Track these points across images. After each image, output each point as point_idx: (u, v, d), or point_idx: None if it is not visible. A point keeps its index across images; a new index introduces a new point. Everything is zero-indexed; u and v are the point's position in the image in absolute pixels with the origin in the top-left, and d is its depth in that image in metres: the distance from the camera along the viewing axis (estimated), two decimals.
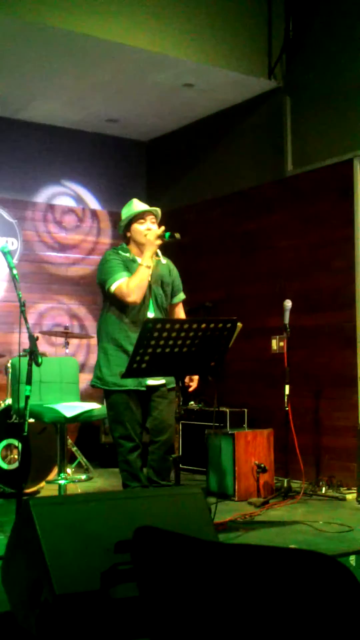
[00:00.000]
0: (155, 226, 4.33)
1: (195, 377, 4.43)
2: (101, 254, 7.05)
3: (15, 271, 4.12)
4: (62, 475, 4.82)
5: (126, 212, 4.41)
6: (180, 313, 4.58)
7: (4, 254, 4.20)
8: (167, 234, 4.22)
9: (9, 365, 5.75)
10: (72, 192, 7.29)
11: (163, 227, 4.27)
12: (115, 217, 7.30)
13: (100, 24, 5.38)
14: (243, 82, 6.22)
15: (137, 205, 4.40)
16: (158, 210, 4.42)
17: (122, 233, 4.44)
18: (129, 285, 4.18)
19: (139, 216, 4.34)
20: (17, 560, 2.63)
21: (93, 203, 7.39)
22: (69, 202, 7.28)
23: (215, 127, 6.99)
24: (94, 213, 7.39)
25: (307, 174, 6.06)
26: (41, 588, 2.42)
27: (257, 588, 1.19)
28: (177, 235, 4.22)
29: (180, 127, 7.30)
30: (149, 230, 4.28)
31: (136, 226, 4.33)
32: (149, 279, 4.26)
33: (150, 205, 4.48)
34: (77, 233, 7.30)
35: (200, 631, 1.26)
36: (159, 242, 4.24)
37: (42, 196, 7.13)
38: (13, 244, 6.88)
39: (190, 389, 4.47)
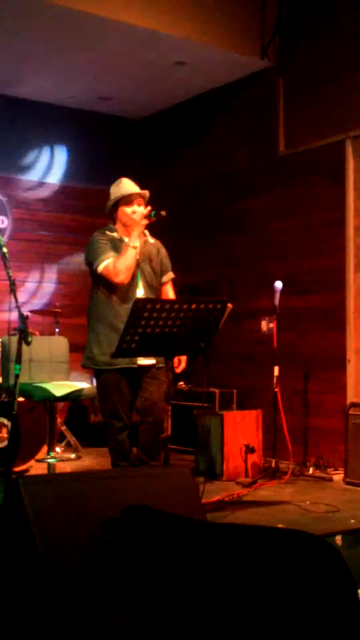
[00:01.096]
0: (141, 208, 4.32)
1: (183, 358, 4.43)
2: (91, 232, 7.02)
3: (5, 249, 4.09)
4: (51, 454, 4.83)
5: (114, 192, 4.39)
6: (169, 292, 4.58)
7: None
8: (153, 213, 4.24)
9: None
10: (63, 169, 7.24)
11: (149, 207, 4.27)
12: (106, 196, 7.25)
13: (94, 1, 5.32)
14: (235, 61, 6.17)
15: (125, 186, 4.39)
16: (146, 192, 4.41)
17: (109, 213, 4.43)
18: (116, 265, 4.19)
19: (127, 198, 4.33)
20: (6, 538, 2.64)
21: (84, 181, 7.34)
22: (60, 180, 7.22)
23: (208, 106, 6.94)
24: (85, 191, 7.34)
25: (299, 155, 6.04)
26: (30, 565, 2.43)
27: (245, 567, 1.20)
28: (163, 213, 4.23)
29: (172, 106, 7.25)
30: (134, 213, 4.28)
31: (123, 208, 4.34)
32: (137, 258, 4.26)
33: (141, 185, 4.46)
34: (68, 211, 7.26)
35: (186, 610, 1.27)
36: (145, 222, 4.25)
37: (33, 174, 7.07)
38: (3, 222, 6.84)
39: (178, 370, 4.48)
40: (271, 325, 5.62)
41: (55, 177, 7.19)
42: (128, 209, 4.32)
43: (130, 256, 4.21)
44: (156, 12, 5.60)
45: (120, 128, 7.58)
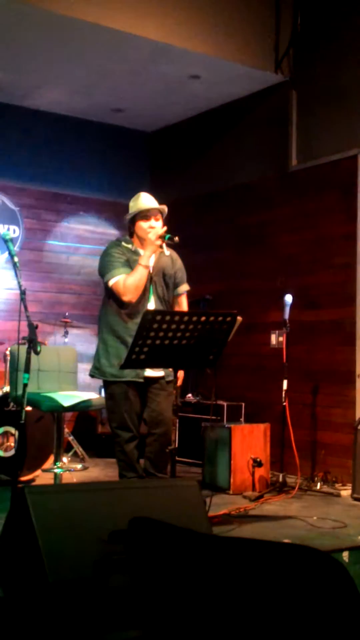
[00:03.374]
0: (159, 223, 4.34)
1: (181, 374, 4.39)
2: (103, 243, 7.05)
3: (16, 259, 4.10)
4: (58, 464, 4.82)
5: (132, 206, 4.42)
6: (183, 304, 4.57)
7: (5, 241, 4.19)
8: (168, 236, 4.24)
9: (7, 352, 5.75)
10: (75, 181, 7.27)
11: (165, 228, 4.28)
12: (117, 207, 7.28)
13: (109, 13, 5.36)
14: (250, 75, 6.19)
15: (143, 200, 4.40)
16: (164, 208, 4.41)
17: (127, 225, 4.44)
18: (126, 283, 4.21)
19: (144, 213, 4.34)
20: (12, 547, 2.64)
21: (96, 192, 7.37)
22: (72, 191, 7.25)
23: (220, 119, 6.96)
24: (96, 202, 7.37)
25: (311, 169, 6.04)
26: (35, 575, 2.42)
27: (250, 582, 1.19)
28: (176, 239, 4.24)
29: (185, 119, 7.28)
30: (152, 228, 4.29)
31: (140, 223, 4.34)
32: (148, 277, 4.26)
33: (154, 197, 4.48)
34: (79, 222, 7.29)
35: (192, 623, 1.26)
36: (159, 242, 4.26)
37: (45, 184, 7.11)
38: (15, 231, 6.87)
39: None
40: (280, 338, 5.61)
41: (67, 188, 7.22)
42: (145, 224, 4.33)
43: (140, 276, 4.22)
44: (171, 25, 5.64)
45: (132, 140, 7.62)
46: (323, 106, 5.97)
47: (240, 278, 6.62)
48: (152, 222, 4.33)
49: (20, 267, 4.09)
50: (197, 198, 7.13)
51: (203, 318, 3.69)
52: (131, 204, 4.44)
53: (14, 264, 4.08)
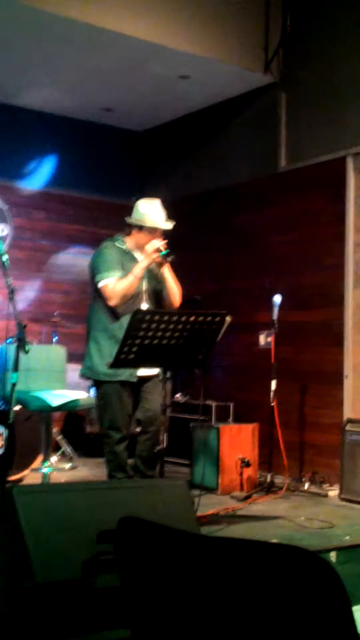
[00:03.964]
0: (159, 239, 4.30)
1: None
2: (92, 243, 7.04)
3: (5, 257, 4.10)
4: (47, 463, 4.82)
5: (144, 213, 4.35)
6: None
7: None
8: (165, 252, 4.23)
9: None
10: (65, 180, 7.26)
11: (165, 242, 4.26)
12: (108, 207, 7.28)
13: (98, 12, 5.35)
14: (239, 76, 6.21)
15: (156, 215, 4.34)
16: (169, 225, 4.38)
17: (127, 224, 4.40)
18: (115, 289, 4.21)
19: (151, 229, 4.31)
20: (0, 547, 2.63)
21: (86, 192, 7.36)
22: (62, 190, 7.24)
23: (210, 120, 6.97)
24: (86, 201, 7.36)
25: (300, 170, 6.06)
26: (22, 575, 2.42)
27: (238, 581, 1.19)
28: (171, 257, 4.24)
29: (175, 119, 7.28)
30: (151, 244, 4.26)
31: (144, 234, 4.32)
32: (139, 281, 4.25)
33: (145, 197, 4.47)
34: (69, 221, 7.28)
35: (181, 623, 1.27)
36: (155, 255, 4.25)
37: (35, 183, 7.09)
38: (3, 230, 6.85)
39: None
40: (269, 339, 5.62)
41: (56, 187, 7.21)
42: (147, 237, 4.31)
43: (130, 284, 4.22)
44: (161, 25, 5.64)
45: (122, 139, 7.61)
46: (312, 107, 5.99)
47: (230, 278, 6.63)
48: (156, 240, 4.30)
49: (10, 266, 4.08)
50: (186, 198, 7.13)
51: (192, 318, 3.70)
52: (141, 210, 4.37)
53: (3, 263, 4.07)
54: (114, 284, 4.21)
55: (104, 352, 4.27)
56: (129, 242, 4.38)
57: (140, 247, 4.30)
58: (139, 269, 4.22)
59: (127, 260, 4.30)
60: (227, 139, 6.82)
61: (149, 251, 4.24)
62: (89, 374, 4.38)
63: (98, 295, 4.34)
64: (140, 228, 4.34)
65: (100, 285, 4.25)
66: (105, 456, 4.34)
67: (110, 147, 7.53)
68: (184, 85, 6.40)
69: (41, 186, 7.13)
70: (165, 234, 4.35)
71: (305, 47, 6.09)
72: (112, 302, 4.22)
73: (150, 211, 4.36)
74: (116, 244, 4.38)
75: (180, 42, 5.73)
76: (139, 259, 4.31)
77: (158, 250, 4.23)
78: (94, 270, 4.32)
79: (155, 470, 4.39)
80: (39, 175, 7.13)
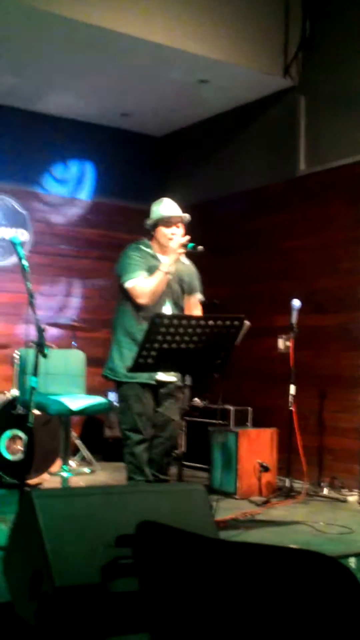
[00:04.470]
0: (181, 231, 4.34)
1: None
2: (111, 247, 7.07)
3: (24, 262, 4.12)
4: (65, 467, 4.83)
5: (155, 210, 4.41)
6: (195, 308, 4.57)
7: (14, 244, 4.21)
8: (191, 245, 4.24)
9: (14, 356, 5.77)
10: (83, 184, 7.29)
11: (188, 237, 4.28)
12: (126, 212, 7.30)
13: (118, 18, 5.38)
14: (258, 80, 6.20)
15: (167, 207, 4.40)
16: (186, 216, 4.41)
17: (147, 229, 4.44)
18: (144, 286, 4.22)
19: (166, 219, 4.35)
20: (19, 551, 2.64)
21: (104, 196, 7.39)
22: (81, 195, 7.27)
23: (229, 124, 6.97)
24: (105, 206, 7.39)
25: (319, 174, 6.04)
26: (41, 580, 2.43)
27: (257, 586, 1.19)
28: (200, 248, 4.23)
29: (193, 124, 7.29)
30: (174, 235, 4.29)
31: (162, 229, 4.35)
32: (165, 283, 4.27)
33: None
34: (88, 226, 7.30)
35: (199, 627, 1.27)
36: (181, 250, 4.26)
37: (54, 188, 7.13)
38: (24, 235, 6.89)
39: None
40: (288, 343, 5.60)
41: (76, 192, 7.24)
42: (166, 231, 4.34)
43: (159, 281, 4.23)
44: (180, 30, 5.65)
45: (141, 144, 7.63)
46: (331, 111, 5.98)
47: (248, 283, 6.62)
48: (174, 228, 4.33)
49: (30, 271, 4.11)
50: (205, 203, 7.13)
51: (211, 322, 3.70)
52: (153, 208, 4.43)
53: (23, 268, 4.10)
54: (142, 282, 4.23)
55: (125, 354, 4.28)
56: (154, 246, 4.40)
57: (164, 247, 4.31)
58: (166, 265, 4.24)
59: (153, 263, 4.31)
60: (245, 143, 6.82)
61: (173, 247, 4.25)
62: (111, 375, 4.40)
63: (124, 297, 4.35)
64: (156, 225, 4.36)
65: (127, 285, 4.26)
66: (125, 458, 4.35)
67: (129, 152, 7.55)
68: (203, 90, 6.40)
69: (60, 191, 7.16)
70: (195, 253, 4.34)
71: (324, 51, 6.07)
72: (143, 300, 4.23)
73: (160, 205, 4.41)
74: (141, 246, 4.40)
75: (199, 46, 5.74)
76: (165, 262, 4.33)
77: (182, 244, 4.25)
78: (120, 272, 4.34)
79: (167, 475, 4.41)
80: (59, 180, 7.17)
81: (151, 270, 4.28)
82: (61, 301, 7.10)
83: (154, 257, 4.35)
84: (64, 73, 6.16)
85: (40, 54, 5.79)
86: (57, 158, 7.13)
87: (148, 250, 4.38)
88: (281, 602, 1.18)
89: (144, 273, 4.26)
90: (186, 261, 4.50)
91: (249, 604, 1.21)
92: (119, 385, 4.37)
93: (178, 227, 4.36)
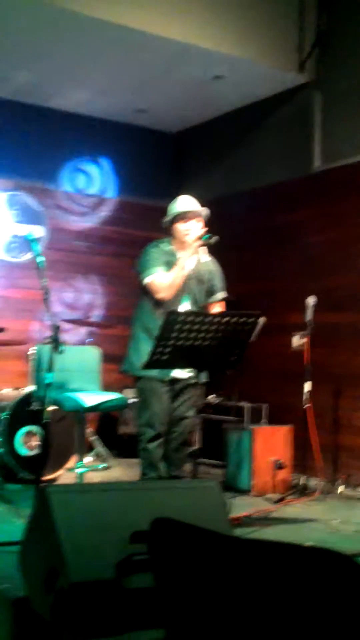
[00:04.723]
0: (199, 225, 4.35)
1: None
2: (127, 244, 7.08)
3: (40, 259, 4.14)
4: (81, 463, 4.85)
5: (170, 209, 4.44)
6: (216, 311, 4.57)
7: (29, 241, 4.23)
8: (207, 236, 4.26)
9: (30, 352, 5.79)
10: (98, 181, 7.30)
11: (206, 229, 4.30)
12: (142, 208, 7.30)
13: (132, 14, 5.38)
14: (273, 76, 6.18)
15: (182, 203, 4.43)
16: (203, 210, 4.42)
17: (166, 228, 4.46)
18: (162, 281, 4.23)
19: (181, 215, 4.36)
20: (34, 546, 2.65)
21: (120, 193, 7.39)
22: (97, 192, 7.28)
23: (244, 120, 6.95)
24: (121, 203, 7.39)
25: (335, 170, 6.02)
26: (57, 575, 2.44)
27: (272, 584, 1.19)
28: (215, 238, 4.24)
29: (208, 120, 7.27)
30: (190, 230, 4.30)
31: (178, 225, 4.37)
32: (184, 278, 4.27)
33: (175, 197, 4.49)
34: (103, 223, 7.31)
35: (214, 624, 1.27)
36: (198, 243, 4.27)
37: (69, 185, 7.14)
38: (40, 232, 6.90)
39: None
40: (302, 340, 5.58)
41: (91, 189, 7.25)
42: (182, 226, 4.35)
43: (176, 275, 4.25)
44: (195, 26, 5.64)
45: (156, 141, 7.63)
46: (346, 107, 5.94)
47: (264, 280, 6.60)
48: (190, 224, 4.34)
49: (45, 267, 4.12)
50: (219, 199, 7.11)
51: (226, 319, 3.69)
52: (169, 207, 4.45)
53: (39, 264, 4.11)
54: (160, 277, 4.24)
55: (143, 350, 4.29)
56: (174, 244, 4.41)
57: (183, 244, 4.33)
58: (183, 258, 4.25)
59: (173, 260, 4.33)
60: (260, 139, 6.80)
61: (190, 241, 4.26)
62: (129, 370, 4.42)
63: (144, 293, 4.38)
64: (173, 222, 4.37)
65: (146, 281, 4.29)
66: (139, 453, 4.37)
67: (144, 148, 7.55)
68: (218, 86, 6.39)
69: (76, 188, 7.18)
70: (210, 243, 4.34)
71: (340, 46, 6.04)
72: (161, 295, 4.25)
73: (176, 203, 4.43)
74: (161, 245, 4.42)
75: (214, 42, 5.73)
76: None
77: (198, 237, 4.26)
78: (140, 269, 4.37)
79: (183, 471, 4.41)
80: (74, 177, 7.18)
81: (170, 266, 4.29)
82: (76, 298, 7.12)
83: (173, 254, 4.36)
84: (80, 70, 6.17)
85: (56, 51, 5.80)
86: (73, 155, 7.14)
87: (167, 247, 4.39)
88: (296, 599, 1.17)
89: (162, 268, 4.28)
90: (207, 258, 4.50)
91: (264, 601, 1.21)
92: (136, 380, 4.39)
93: (198, 221, 4.36)
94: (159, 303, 4.29)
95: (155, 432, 4.28)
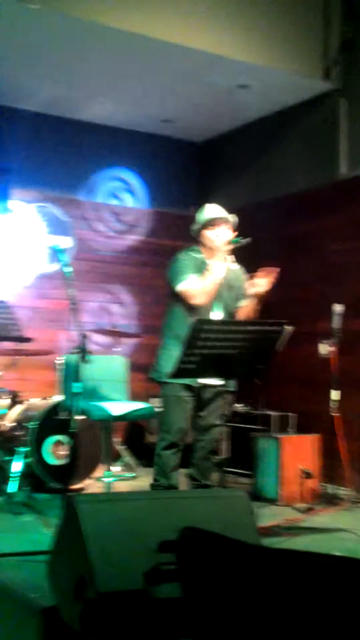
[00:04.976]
0: (226, 231, 4.36)
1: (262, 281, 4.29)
2: (152, 253, 7.10)
3: (67, 269, 4.16)
4: (108, 472, 4.86)
5: (199, 216, 4.46)
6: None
7: (56, 252, 4.26)
8: (236, 240, 4.27)
9: (58, 362, 5.81)
10: (125, 191, 7.33)
11: (235, 233, 4.31)
12: (167, 218, 7.33)
13: (158, 25, 5.41)
14: (299, 84, 6.18)
15: (209, 210, 4.45)
16: (230, 217, 4.43)
17: (195, 236, 4.46)
18: (195, 287, 4.24)
19: (210, 222, 4.37)
20: (63, 556, 2.66)
21: (147, 203, 7.42)
22: (122, 202, 7.32)
23: (269, 128, 6.95)
24: (147, 213, 7.42)
25: None
26: (85, 585, 2.44)
27: (301, 594, 1.18)
28: (245, 240, 4.25)
29: (233, 129, 7.28)
30: (218, 237, 4.31)
31: (206, 232, 4.38)
32: (216, 286, 4.28)
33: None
34: (131, 233, 7.34)
35: (242, 634, 1.26)
36: (227, 247, 4.28)
37: (97, 196, 7.19)
38: (67, 242, 6.95)
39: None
40: (330, 348, 5.55)
41: (117, 199, 7.29)
42: (211, 233, 4.37)
43: (209, 281, 4.26)
44: (219, 35, 5.66)
45: (182, 150, 7.65)
46: None
47: (290, 287, 6.56)
48: (219, 230, 4.35)
49: (72, 278, 4.15)
50: (246, 207, 7.09)
51: (252, 327, 3.69)
52: (197, 215, 4.47)
53: (66, 274, 4.14)
54: (193, 283, 4.25)
55: (172, 357, 4.30)
56: (203, 252, 4.42)
57: (213, 251, 4.33)
58: (214, 265, 4.26)
59: (203, 268, 4.34)
60: (286, 147, 6.79)
61: (220, 245, 4.26)
62: (156, 377, 4.43)
63: (175, 300, 4.38)
64: (202, 229, 4.38)
65: (179, 288, 4.30)
66: (154, 459, 4.38)
67: (170, 158, 7.58)
68: (243, 95, 6.40)
69: (102, 199, 7.22)
70: (241, 245, 4.35)
71: None
72: (196, 300, 4.26)
73: (204, 211, 4.45)
74: (191, 253, 4.43)
75: (238, 51, 5.74)
76: None
77: (228, 241, 4.27)
78: (171, 277, 4.38)
79: (210, 479, 4.40)
80: (100, 187, 7.23)
81: (201, 273, 4.30)
82: (103, 307, 7.15)
83: (204, 262, 4.37)
84: (105, 81, 6.22)
85: (81, 62, 5.85)
86: (99, 166, 7.19)
87: (198, 255, 4.40)
88: (326, 609, 1.17)
89: (195, 275, 4.29)
90: (236, 266, 4.51)
91: (293, 611, 1.20)
92: (162, 386, 4.40)
93: (227, 228, 4.37)
94: (191, 310, 4.30)
95: (172, 440, 4.28)
